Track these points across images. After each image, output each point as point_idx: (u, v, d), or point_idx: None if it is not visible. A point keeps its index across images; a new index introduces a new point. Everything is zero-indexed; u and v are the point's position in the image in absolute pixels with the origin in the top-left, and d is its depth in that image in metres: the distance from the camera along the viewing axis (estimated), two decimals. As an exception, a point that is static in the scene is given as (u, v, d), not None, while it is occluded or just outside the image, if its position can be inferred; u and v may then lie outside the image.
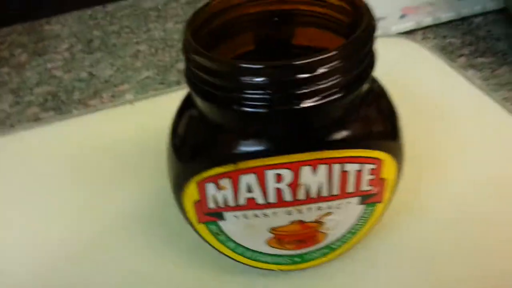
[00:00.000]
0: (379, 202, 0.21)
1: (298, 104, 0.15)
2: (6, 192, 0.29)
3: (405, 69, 0.35)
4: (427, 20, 0.43)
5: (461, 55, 0.39)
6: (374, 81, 0.19)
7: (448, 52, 0.40)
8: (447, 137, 0.30)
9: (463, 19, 0.44)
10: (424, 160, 0.28)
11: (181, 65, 0.40)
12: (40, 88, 0.40)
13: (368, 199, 0.20)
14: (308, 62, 0.15)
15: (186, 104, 0.20)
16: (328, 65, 0.15)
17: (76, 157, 0.31)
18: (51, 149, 0.32)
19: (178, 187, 0.20)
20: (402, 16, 0.44)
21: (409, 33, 0.42)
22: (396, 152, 0.19)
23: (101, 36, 0.47)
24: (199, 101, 0.18)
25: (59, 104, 0.38)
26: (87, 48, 0.45)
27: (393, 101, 0.20)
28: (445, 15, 0.43)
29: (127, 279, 0.24)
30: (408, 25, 0.42)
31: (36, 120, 0.36)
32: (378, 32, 0.42)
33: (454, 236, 0.24)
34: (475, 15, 0.44)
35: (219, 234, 0.21)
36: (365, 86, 0.17)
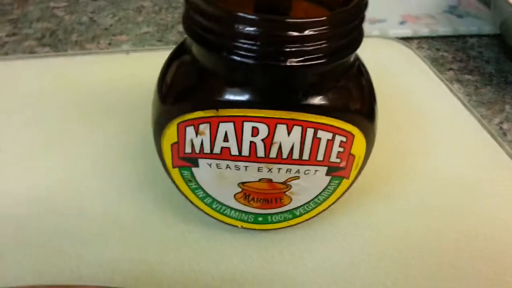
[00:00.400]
0: (346, 177, 0.22)
1: (284, 61, 0.16)
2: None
3: (395, 69, 0.37)
4: (425, 31, 0.44)
5: (450, 69, 0.41)
6: (359, 61, 0.21)
7: (438, 64, 0.41)
8: (420, 136, 0.31)
9: (459, 36, 0.45)
10: (394, 153, 0.29)
11: (181, 27, 0.41)
12: (40, 23, 0.40)
13: (335, 171, 0.21)
14: (298, 22, 0.16)
15: (178, 52, 0.21)
16: (316, 29, 0.16)
17: (66, 94, 0.32)
18: (42, 82, 0.32)
19: (159, 128, 0.21)
20: (402, 23, 0.45)
21: (405, 39, 0.43)
22: (368, 132, 0.21)
23: (109, -14, 0.47)
24: (193, 47, 0.19)
25: (56, 42, 0.38)
26: (93, -6, 0.45)
27: (373, 85, 0.21)
28: (443, 29, 0.45)
29: (98, 216, 0.25)
30: (406, 32, 0.44)
31: (32, 52, 0.37)
32: (376, 33, 0.43)
33: (410, 223, 0.25)
34: (471, 35, 0.45)
35: (191, 181, 0.22)
36: (349, 60, 0.18)
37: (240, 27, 0.16)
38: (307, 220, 0.24)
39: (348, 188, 0.23)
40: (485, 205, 0.27)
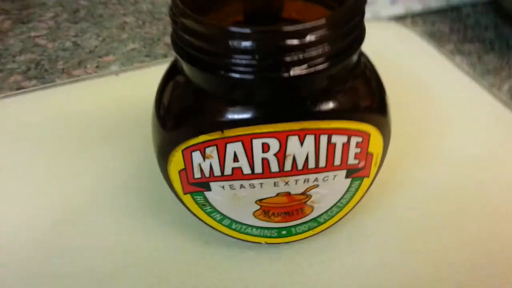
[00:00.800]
0: (366, 176, 0.21)
1: (286, 72, 0.15)
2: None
3: (394, 52, 0.35)
4: (417, 7, 0.43)
5: (449, 42, 0.40)
6: (363, 55, 0.19)
7: (436, 39, 0.40)
8: (433, 118, 0.30)
9: (453, 8, 0.44)
10: (408, 139, 0.28)
11: (169, 39, 0.40)
12: (23, 56, 0.39)
13: (355, 173, 0.20)
14: (297, 29, 0.15)
15: (172, 72, 0.20)
16: (316, 33, 0.15)
17: (59, 127, 0.30)
18: (33, 117, 0.31)
19: (163, 156, 0.20)
20: (393, 1, 0.44)
21: (398, 18, 0.42)
22: (383, 127, 0.19)
23: (88, 6, 0.46)
24: (185, 67, 0.18)
25: (43, 72, 0.37)
26: (73, 17, 0.44)
27: (380, 77, 0.20)
28: (435, 3, 0.43)
29: (110, 251, 0.23)
30: (398, 10, 0.42)
31: (19, 88, 0.35)
32: (368, 15, 0.42)
33: (440, 211, 0.24)
34: (465, 5, 0.44)
35: (205, 205, 0.21)
36: (354, 59, 0.17)
37: (235, 43, 0.15)
38: (332, 225, 0.23)
39: (370, 186, 0.22)
40: (506, 179, 0.26)
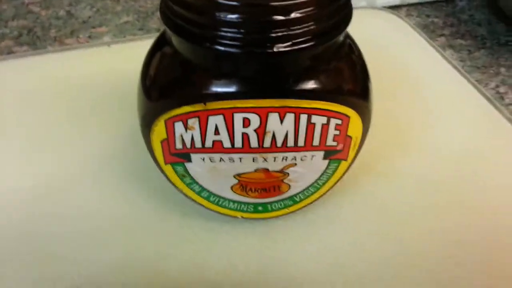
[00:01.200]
0: (344, 159, 0.21)
1: (271, 48, 0.16)
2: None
3: (385, 41, 0.36)
4: (413, -3, 0.43)
5: (442, 35, 0.40)
6: (349, 38, 0.20)
7: (429, 31, 0.40)
8: (419, 110, 0.31)
9: (448, 1, 0.44)
10: (392, 128, 0.29)
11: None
12: (15, 21, 0.39)
13: (333, 155, 0.20)
14: (283, 4, 0.15)
15: (160, 43, 0.20)
16: (302, 10, 0.15)
17: (49, 94, 0.30)
18: (23, 83, 0.31)
19: (147, 126, 0.20)
20: (389, -10, 0.44)
21: (393, 8, 0.42)
22: (364, 112, 0.20)
23: (84, -24, 0.45)
24: (173, 38, 0.18)
25: (35, 39, 0.37)
26: (68, -14, 0.44)
27: (366, 63, 0.20)
28: (431, -6, 0.43)
29: (91, 217, 0.24)
30: (394, 1, 0.43)
31: (10, 53, 0.35)
32: (363, 3, 0.41)
33: (418, 201, 0.25)
34: (461, -2, 0.44)
35: (185, 176, 0.21)
36: (339, 40, 0.18)
37: (222, 15, 0.15)
38: (308, 205, 0.23)
39: (347, 169, 0.22)
40: (489, 174, 0.26)
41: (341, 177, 0.22)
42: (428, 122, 0.30)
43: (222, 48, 0.16)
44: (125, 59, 0.32)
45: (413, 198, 0.25)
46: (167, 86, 0.19)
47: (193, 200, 0.23)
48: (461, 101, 0.32)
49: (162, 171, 0.22)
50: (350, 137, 0.20)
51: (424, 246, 0.23)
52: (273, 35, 0.15)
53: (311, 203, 0.23)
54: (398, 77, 0.33)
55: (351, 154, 0.21)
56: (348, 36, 0.20)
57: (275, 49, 0.16)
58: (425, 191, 0.26)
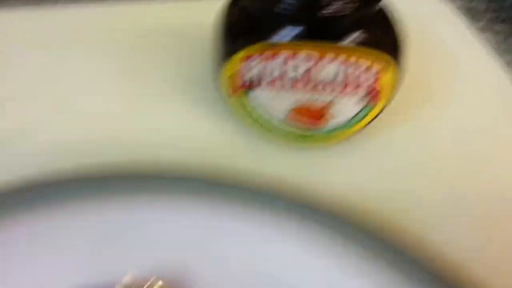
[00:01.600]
0: (376, 102, 0.26)
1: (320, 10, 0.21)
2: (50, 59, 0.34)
3: (425, 21, 0.39)
4: (460, -18, 0.46)
5: (482, 20, 0.43)
6: (390, 9, 0.24)
7: (470, 15, 0.43)
8: (443, 83, 0.35)
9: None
10: (420, 94, 0.33)
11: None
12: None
13: (368, 98, 0.25)
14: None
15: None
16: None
17: (132, 36, 0.36)
18: (101, 32, 0.37)
19: (219, 63, 0.25)
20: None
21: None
22: (398, 66, 0.25)
23: None
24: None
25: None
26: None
27: (401, 28, 0.25)
28: (478, -19, 0.46)
29: (162, 138, 0.30)
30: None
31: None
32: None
33: (441, 153, 0.30)
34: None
35: (246, 106, 0.27)
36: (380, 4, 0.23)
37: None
38: (344, 140, 0.28)
39: (378, 115, 0.27)
40: (501, 153, 0.30)
41: (372, 119, 0.27)
42: (452, 97, 0.33)
43: (279, 11, 0.21)
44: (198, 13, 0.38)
45: (439, 151, 0.30)
46: (241, 31, 0.24)
47: (251, 127, 0.28)
48: (488, 81, 0.35)
49: (227, 103, 0.27)
50: (383, 87, 0.25)
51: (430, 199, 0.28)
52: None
53: (346, 139, 0.28)
54: (429, 52, 0.37)
55: (383, 100, 0.26)
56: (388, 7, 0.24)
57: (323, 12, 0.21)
58: (450, 146, 0.30)
